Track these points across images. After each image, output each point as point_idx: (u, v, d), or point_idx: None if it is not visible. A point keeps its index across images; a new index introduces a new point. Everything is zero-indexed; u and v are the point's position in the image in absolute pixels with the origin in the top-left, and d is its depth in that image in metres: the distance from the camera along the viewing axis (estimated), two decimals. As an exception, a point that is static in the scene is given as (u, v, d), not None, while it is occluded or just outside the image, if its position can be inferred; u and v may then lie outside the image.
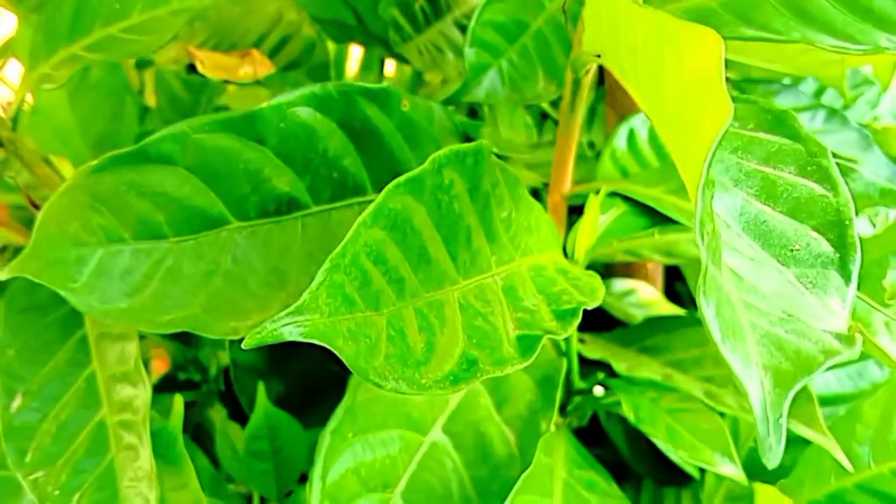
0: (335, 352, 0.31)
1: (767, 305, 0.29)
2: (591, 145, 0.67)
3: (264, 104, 0.44)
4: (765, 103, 0.39)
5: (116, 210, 0.43)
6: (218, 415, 0.64)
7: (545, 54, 0.55)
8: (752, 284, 0.29)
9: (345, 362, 0.31)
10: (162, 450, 0.46)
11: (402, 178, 0.36)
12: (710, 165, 0.25)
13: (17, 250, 0.50)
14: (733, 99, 0.40)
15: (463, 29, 0.68)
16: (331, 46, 0.65)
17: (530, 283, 0.42)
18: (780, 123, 0.37)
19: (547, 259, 0.45)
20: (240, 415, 0.63)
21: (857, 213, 0.48)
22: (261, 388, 0.53)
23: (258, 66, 0.52)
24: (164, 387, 0.62)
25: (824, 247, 0.32)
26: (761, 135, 0.37)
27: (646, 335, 0.61)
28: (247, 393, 0.57)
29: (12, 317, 0.49)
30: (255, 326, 0.42)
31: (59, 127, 0.57)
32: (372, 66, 0.77)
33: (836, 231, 0.33)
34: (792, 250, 0.32)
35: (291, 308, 0.32)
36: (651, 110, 0.34)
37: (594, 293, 0.42)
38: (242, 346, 0.31)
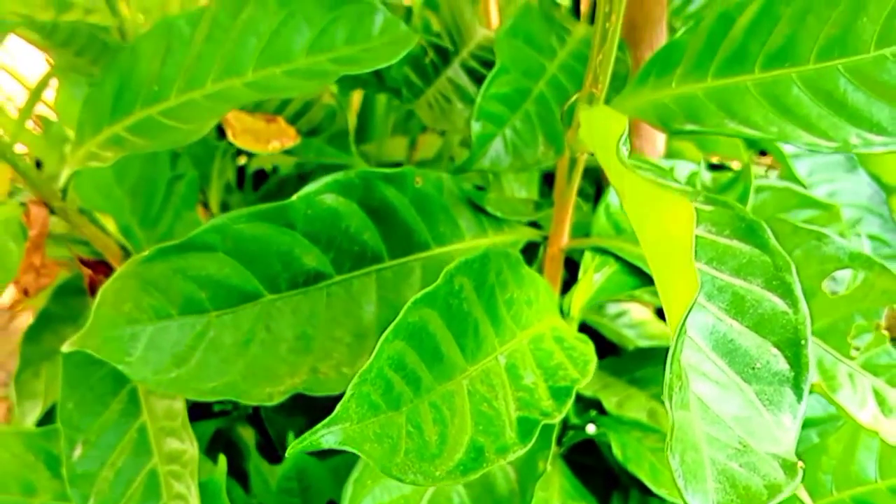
0: (363, 457, 0.36)
1: (727, 436, 0.33)
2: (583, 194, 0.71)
3: (294, 196, 0.48)
4: (739, 210, 0.43)
5: (164, 291, 0.47)
6: (246, 432, 0.69)
7: (546, 118, 0.58)
8: (716, 413, 0.34)
9: (372, 464, 0.36)
10: (208, 500, 0.51)
11: (419, 295, 0.40)
12: (679, 340, 0.29)
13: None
14: (712, 202, 0.45)
15: (469, 72, 0.72)
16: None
17: (530, 357, 0.46)
18: (752, 233, 0.42)
19: (545, 326, 0.50)
20: (264, 433, 0.68)
21: (827, 275, 0.53)
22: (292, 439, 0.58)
23: (283, 136, 0.56)
24: (200, 413, 0.67)
25: (781, 364, 0.37)
26: (735, 243, 0.41)
27: (635, 366, 0.65)
28: (275, 427, 0.62)
29: (70, 371, 0.53)
30: (286, 392, 0.47)
31: (99, 181, 0.61)
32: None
33: (793, 350, 0.37)
34: (754, 368, 0.36)
35: (327, 420, 0.36)
36: (636, 229, 0.38)
37: (586, 367, 0.47)
38: (286, 453, 0.36)
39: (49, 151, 0.90)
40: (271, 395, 0.48)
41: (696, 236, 0.42)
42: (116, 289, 0.47)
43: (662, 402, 0.61)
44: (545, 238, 0.59)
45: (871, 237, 0.83)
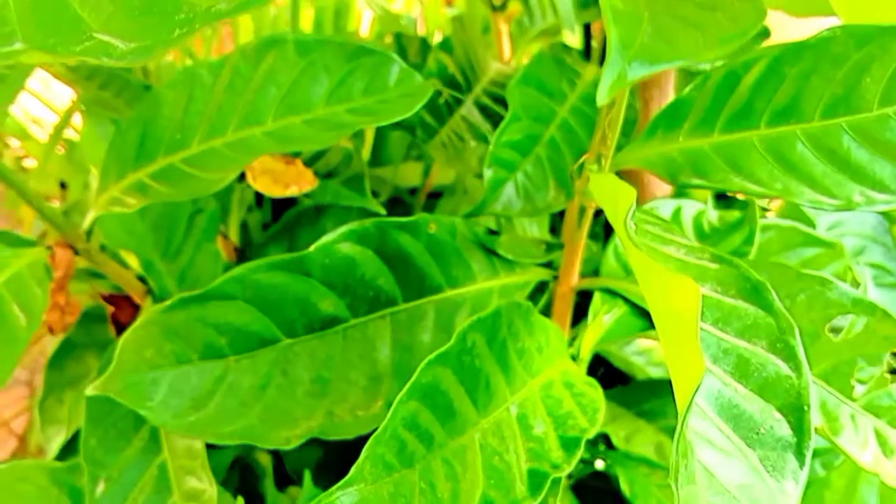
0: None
1: (731, 507, 0.34)
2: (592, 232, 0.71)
3: (312, 247, 0.49)
4: (745, 270, 0.43)
5: (185, 338, 0.48)
6: (263, 457, 0.70)
7: (557, 162, 0.59)
8: (721, 482, 0.34)
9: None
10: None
11: (433, 355, 0.41)
12: (684, 423, 0.30)
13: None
14: (718, 260, 0.45)
15: (482, 109, 0.72)
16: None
17: (540, 405, 0.47)
18: (757, 293, 0.42)
19: (555, 371, 0.50)
20: (280, 458, 0.69)
21: (830, 319, 0.53)
22: (307, 479, 0.59)
23: (302, 180, 0.56)
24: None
25: (785, 430, 0.37)
26: (740, 303, 0.42)
27: (644, 398, 0.66)
28: (291, 459, 0.63)
29: (92, 407, 0.54)
30: (302, 435, 0.47)
31: (123, 217, 0.62)
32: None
33: (796, 415, 0.37)
34: (758, 433, 0.37)
35: (343, 481, 0.37)
36: (647, 299, 0.38)
37: (595, 415, 0.47)
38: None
39: (74, 175, 0.91)
40: (288, 438, 0.48)
41: (703, 296, 0.43)
42: (139, 336, 0.47)
43: (669, 436, 0.62)
44: (555, 277, 0.60)
45: (874, 265, 0.84)
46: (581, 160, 0.45)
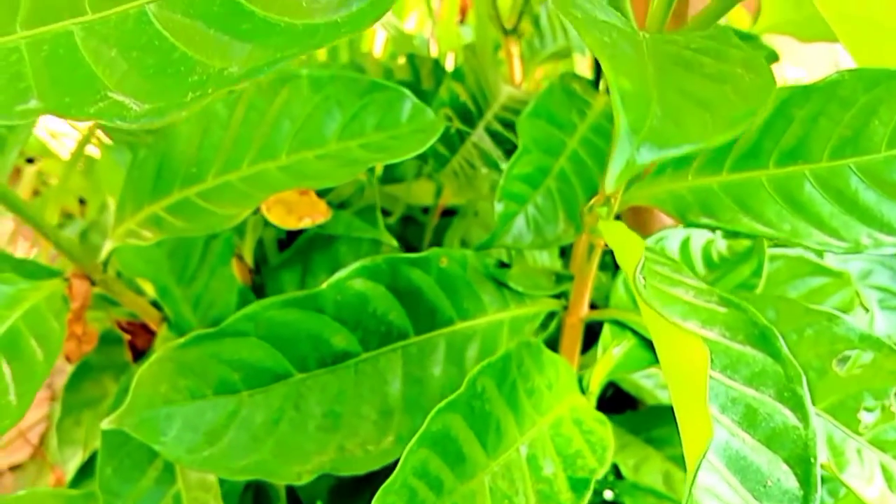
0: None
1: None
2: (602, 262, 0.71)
3: (324, 284, 0.48)
4: (753, 314, 0.43)
5: (199, 373, 0.48)
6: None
7: (567, 194, 0.58)
8: (729, 539, 0.34)
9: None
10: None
11: (443, 403, 0.41)
12: (693, 484, 0.29)
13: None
14: (726, 304, 0.44)
15: (493, 135, 0.72)
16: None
17: (550, 444, 0.46)
18: (765, 340, 0.41)
19: (565, 408, 0.50)
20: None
21: (837, 354, 0.53)
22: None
23: (315, 212, 0.56)
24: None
25: (791, 482, 0.37)
26: (748, 350, 0.41)
27: (652, 424, 0.66)
28: (305, 489, 0.63)
29: (108, 438, 0.54)
30: (313, 471, 0.47)
31: (140, 247, 0.62)
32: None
33: (803, 467, 0.37)
34: (765, 486, 0.36)
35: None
36: (658, 351, 0.38)
37: (604, 454, 0.47)
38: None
39: (93, 193, 0.91)
40: (300, 474, 0.48)
41: (711, 341, 0.42)
42: (153, 371, 0.47)
43: (678, 465, 0.61)
44: (565, 308, 0.59)
45: (881, 289, 0.83)
46: (591, 202, 0.44)
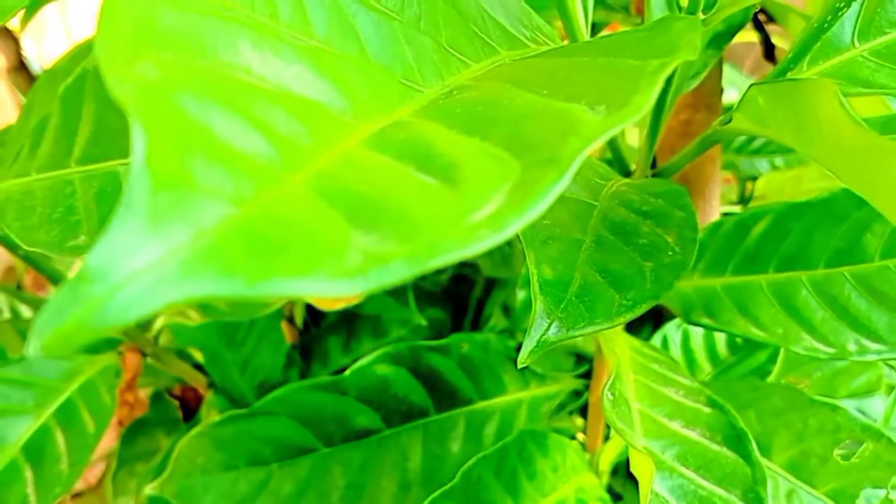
0: None
1: None
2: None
3: (348, 371, 0.56)
4: (733, 417, 0.49)
5: (233, 447, 0.56)
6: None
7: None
8: None
9: None
10: None
11: (437, 493, 0.48)
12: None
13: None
14: (712, 405, 0.51)
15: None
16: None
17: (549, 527, 0.53)
18: (739, 442, 0.48)
19: (570, 488, 0.57)
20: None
21: (839, 443, 0.59)
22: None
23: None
24: None
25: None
26: (724, 450, 0.48)
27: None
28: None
29: (152, 502, 0.63)
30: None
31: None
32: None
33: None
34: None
35: None
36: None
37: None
38: None
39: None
40: (322, 545, 0.56)
41: (692, 440, 0.49)
42: (192, 445, 0.56)
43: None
44: (587, 387, 0.66)
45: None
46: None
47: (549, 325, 0.29)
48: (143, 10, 0.21)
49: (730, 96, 0.99)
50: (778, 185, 0.93)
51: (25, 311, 0.81)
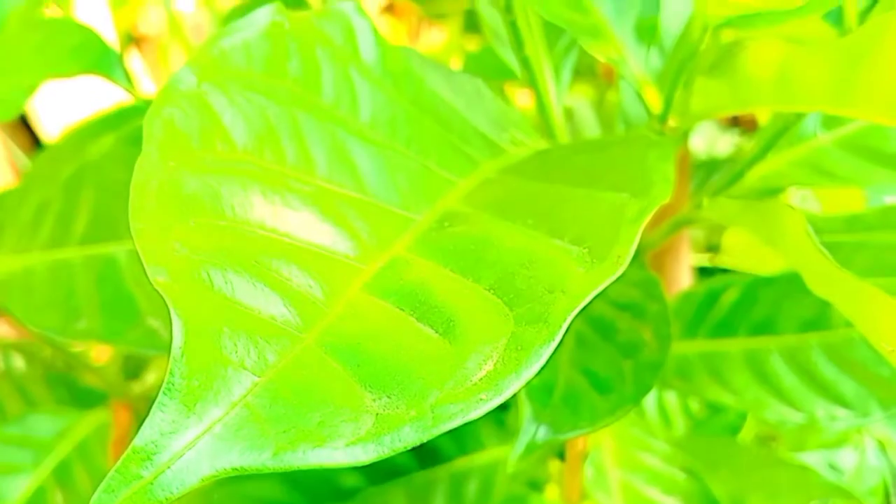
0: None
1: None
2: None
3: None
4: (705, 486, 0.52)
5: (225, 506, 0.58)
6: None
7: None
8: None
9: None
10: None
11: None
12: None
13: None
14: (687, 472, 0.53)
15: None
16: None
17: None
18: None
19: (549, 546, 0.59)
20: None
21: (811, 500, 0.61)
22: None
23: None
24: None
25: None
26: None
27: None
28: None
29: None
30: None
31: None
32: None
33: None
34: None
35: None
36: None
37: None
38: None
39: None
40: None
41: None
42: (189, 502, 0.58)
43: None
44: (564, 443, 0.68)
45: None
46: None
47: (537, 429, 0.31)
48: (168, 177, 0.23)
49: (696, 143, 1.01)
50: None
51: (18, 362, 0.82)
